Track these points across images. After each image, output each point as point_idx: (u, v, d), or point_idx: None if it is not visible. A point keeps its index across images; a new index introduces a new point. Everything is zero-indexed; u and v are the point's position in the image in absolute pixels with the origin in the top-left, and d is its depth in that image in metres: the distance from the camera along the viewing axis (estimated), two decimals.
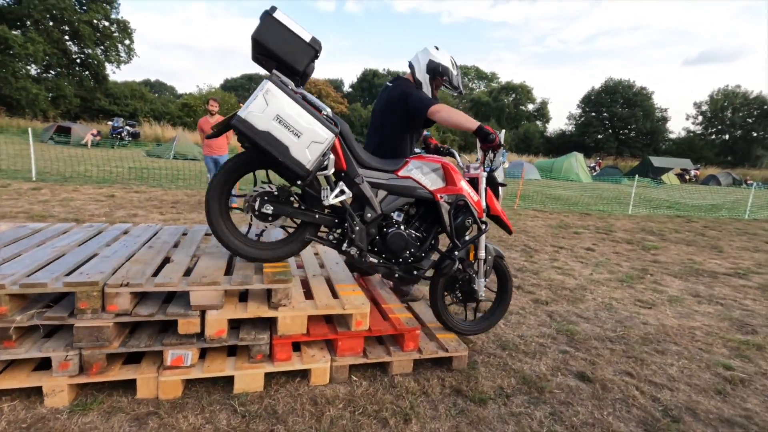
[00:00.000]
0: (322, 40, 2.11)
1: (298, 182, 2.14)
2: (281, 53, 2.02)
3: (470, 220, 2.47)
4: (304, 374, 2.25)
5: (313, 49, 2.07)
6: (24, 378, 1.90)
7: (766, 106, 45.08)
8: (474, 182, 2.56)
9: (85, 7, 32.32)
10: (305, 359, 2.22)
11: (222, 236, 2.23)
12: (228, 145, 6.93)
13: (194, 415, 1.91)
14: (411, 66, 2.74)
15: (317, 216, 2.31)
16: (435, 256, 2.60)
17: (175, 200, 7.57)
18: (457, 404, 2.16)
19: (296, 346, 2.29)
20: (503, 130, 2.60)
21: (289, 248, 2.34)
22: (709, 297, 4.22)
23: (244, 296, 2.28)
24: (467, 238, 2.54)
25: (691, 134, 49.87)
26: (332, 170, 2.19)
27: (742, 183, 28.09)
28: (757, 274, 5.24)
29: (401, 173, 2.42)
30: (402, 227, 2.42)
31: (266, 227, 2.31)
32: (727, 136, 48.13)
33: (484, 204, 2.53)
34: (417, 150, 2.94)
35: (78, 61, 34.18)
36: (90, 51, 33.27)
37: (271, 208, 2.22)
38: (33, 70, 30.98)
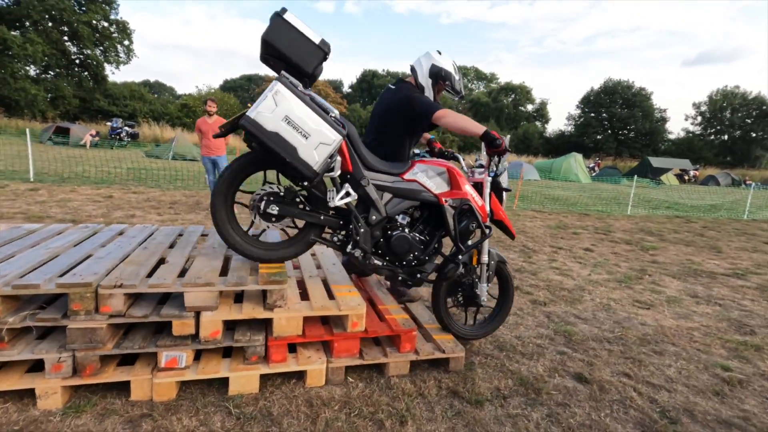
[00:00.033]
0: None
1: (305, 183, 2.13)
2: (290, 55, 2.01)
3: (474, 225, 2.47)
4: (300, 376, 2.24)
5: (322, 51, 2.06)
6: (17, 380, 1.89)
7: (765, 107, 45.17)
8: (478, 186, 2.56)
9: (84, 8, 32.30)
10: (301, 361, 2.20)
11: (227, 236, 2.22)
12: (226, 146, 6.92)
13: (189, 417, 1.90)
14: (413, 70, 2.73)
15: (322, 217, 2.31)
16: (438, 260, 2.59)
17: (173, 201, 7.56)
18: (453, 406, 2.15)
19: (292, 348, 2.28)
20: (508, 135, 2.60)
21: (294, 249, 2.35)
22: (708, 297, 4.22)
23: (239, 297, 2.27)
24: (471, 242, 2.53)
25: (690, 135, 49.96)
26: (339, 172, 2.18)
27: (741, 183, 28.12)
28: (755, 275, 5.23)
29: (407, 176, 2.42)
30: (406, 230, 2.42)
31: (267, 227, 2.31)
32: (726, 137, 48.24)
33: (488, 209, 2.53)
34: (417, 152, 2.93)
35: (77, 61, 34.13)
36: (89, 52, 33.23)
37: (277, 208, 2.21)
38: (32, 70, 31.04)
